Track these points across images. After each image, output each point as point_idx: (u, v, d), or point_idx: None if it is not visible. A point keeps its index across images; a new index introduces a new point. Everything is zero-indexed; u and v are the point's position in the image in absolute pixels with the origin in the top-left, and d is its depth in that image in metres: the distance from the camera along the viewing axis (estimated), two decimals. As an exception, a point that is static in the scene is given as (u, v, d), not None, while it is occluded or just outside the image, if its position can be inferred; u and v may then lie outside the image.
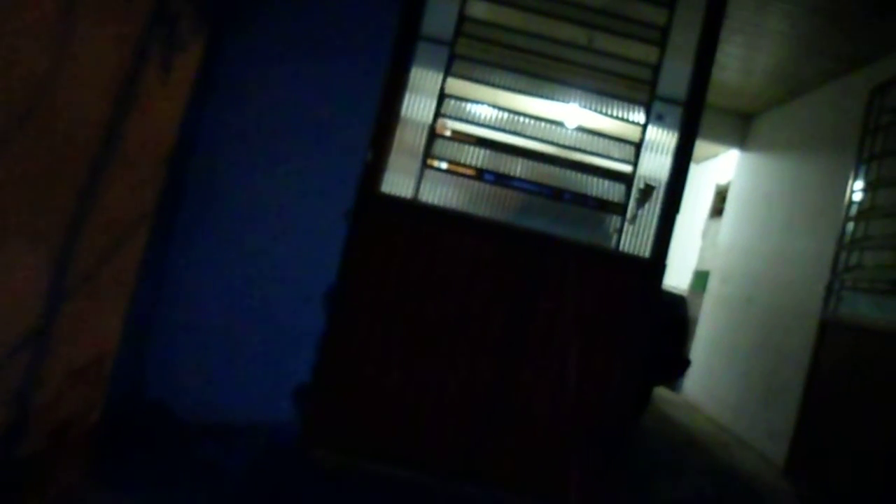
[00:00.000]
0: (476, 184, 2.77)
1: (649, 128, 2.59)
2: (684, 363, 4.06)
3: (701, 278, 6.04)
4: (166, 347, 2.33)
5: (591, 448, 2.44)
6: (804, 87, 4.69)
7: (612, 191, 2.67)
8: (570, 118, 2.88)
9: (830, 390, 3.53)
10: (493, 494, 2.43)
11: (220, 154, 2.35)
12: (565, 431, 2.44)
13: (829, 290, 3.74)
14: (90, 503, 1.79)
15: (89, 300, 1.90)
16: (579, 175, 2.72)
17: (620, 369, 2.45)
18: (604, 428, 2.44)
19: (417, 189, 2.61)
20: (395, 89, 2.48)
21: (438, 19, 2.60)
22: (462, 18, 2.60)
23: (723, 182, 6.20)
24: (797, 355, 3.88)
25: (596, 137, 2.70)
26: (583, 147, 2.71)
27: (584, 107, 2.72)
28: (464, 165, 2.70)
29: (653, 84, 2.57)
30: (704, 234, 6.40)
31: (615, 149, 2.67)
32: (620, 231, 2.60)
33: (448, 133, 2.85)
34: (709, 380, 5.27)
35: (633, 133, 2.62)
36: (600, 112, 2.70)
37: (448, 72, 2.58)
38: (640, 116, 2.61)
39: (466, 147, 2.71)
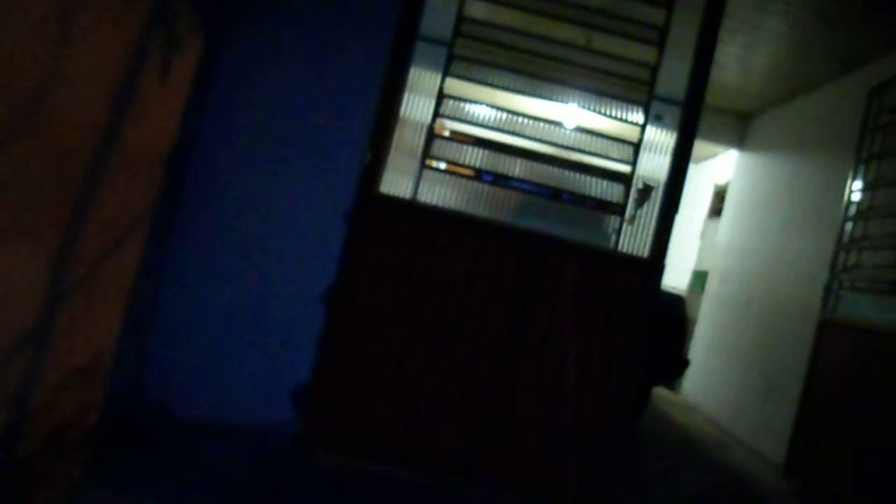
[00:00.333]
0: (475, 184, 2.77)
1: (648, 128, 2.59)
2: (683, 363, 4.06)
3: (700, 278, 6.05)
4: (165, 347, 2.33)
5: (590, 448, 2.44)
6: (803, 87, 4.70)
7: (611, 191, 2.67)
8: (568, 118, 2.89)
9: (829, 390, 3.53)
10: (493, 494, 2.43)
11: (218, 154, 2.35)
12: (564, 431, 2.44)
13: (828, 289, 3.74)
14: (89, 503, 1.79)
15: (88, 300, 1.90)
16: (578, 175, 2.72)
17: (619, 369, 2.45)
18: (603, 428, 2.44)
19: (416, 189, 2.61)
20: (393, 89, 2.48)
21: (437, 19, 2.60)
22: (461, 18, 2.61)
23: (721, 182, 6.20)
24: (796, 355, 3.88)
25: (594, 137, 2.70)
26: (581, 147, 2.71)
27: (583, 107, 2.72)
28: (462, 166, 2.71)
29: (651, 84, 2.58)
30: (703, 235, 6.40)
31: (614, 149, 2.67)
32: (619, 231, 2.60)
33: (447, 133, 2.85)
34: (707, 380, 5.27)
35: (631, 133, 2.62)
36: (599, 112, 2.70)
37: (447, 72, 2.58)
38: (638, 117, 2.62)
39: (465, 147, 2.71)
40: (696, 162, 6.81)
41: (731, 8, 3.60)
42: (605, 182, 2.68)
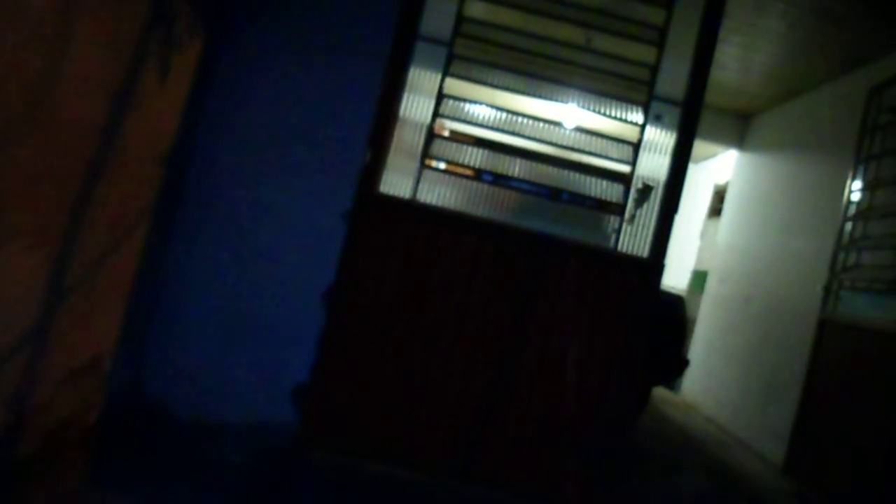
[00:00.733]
0: (474, 184, 2.77)
1: (648, 128, 2.59)
2: (683, 363, 4.06)
3: (699, 278, 6.05)
4: (165, 347, 2.33)
5: (589, 448, 2.44)
6: (802, 87, 4.70)
7: (611, 191, 2.67)
8: (568, 118, 2.89)
9: (829, 390, 3.53)
10: (492, 494, 2.43)
11: (218, 154, 2.35)
12: (564, 431, 2.44)
13: (828, 289, 3.74)
14: (89, 503, 1.79)
15: (88, 300, 1.90)
16: (578, 175, 2.72)
17: (619, 369, 2.45)
18: (602, 428, 2.44)
19: (416, 189, 2.61)
20: (393, 89, 2.48)
21: (437, 19, 2.60)
22: (460, 18, 2.61)
23: (721, 182, 6.20)
24: (796, 355, 3.88)
25: (594, 137, 2.70)
26: (581, 147, 2.71)
27: (583, 107, 2.72)
28: (462, 165, 2.71)
29: (651, 84, 2.58)
30: (703, 234, 6.40)
31: (613, 149, 2.67)
32: (619, 231, 2.61)
33: (446, 133, 2.85)
34: (707, 380, 5.27)
35: (631, 133, 2.62)
36: (598, 112, 2.70)
37: (446, 72, 2.58)
38: (638, 116, 2.62)
39: (465, 147, 2.71)
40: (696, 162, 6.81)
41: (731, 8, 3.60)
42: (604, 182, 2.68)
